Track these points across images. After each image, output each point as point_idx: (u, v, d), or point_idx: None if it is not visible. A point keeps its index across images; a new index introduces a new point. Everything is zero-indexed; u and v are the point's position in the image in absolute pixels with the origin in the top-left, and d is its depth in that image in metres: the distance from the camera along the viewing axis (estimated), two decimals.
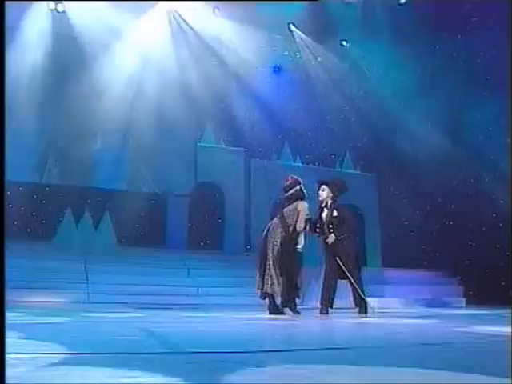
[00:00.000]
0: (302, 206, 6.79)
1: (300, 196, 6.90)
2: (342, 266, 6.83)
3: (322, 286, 7.07)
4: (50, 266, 10.04)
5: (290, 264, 6.63)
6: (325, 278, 7.05)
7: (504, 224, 11.80)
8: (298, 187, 6.91)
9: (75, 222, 12.31)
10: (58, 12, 12.18)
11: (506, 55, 11.41)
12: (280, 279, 6.52)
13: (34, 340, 3.10)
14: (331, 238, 6.91)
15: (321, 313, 6.83)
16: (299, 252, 6.83)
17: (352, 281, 6.82)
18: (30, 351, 2.47)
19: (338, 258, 6.87)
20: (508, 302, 9.65)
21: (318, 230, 7.01)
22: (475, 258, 12.09)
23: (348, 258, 6.92)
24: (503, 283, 11.48)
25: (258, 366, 2.19)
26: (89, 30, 12.04)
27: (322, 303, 6.93)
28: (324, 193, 7.12)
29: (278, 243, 6.61)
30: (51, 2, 12.17)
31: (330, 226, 6.96)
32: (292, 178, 7.05)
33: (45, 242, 11.51)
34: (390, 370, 2.13)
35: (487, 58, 12.37)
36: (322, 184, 7.18)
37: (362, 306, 6.88)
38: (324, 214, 7.06)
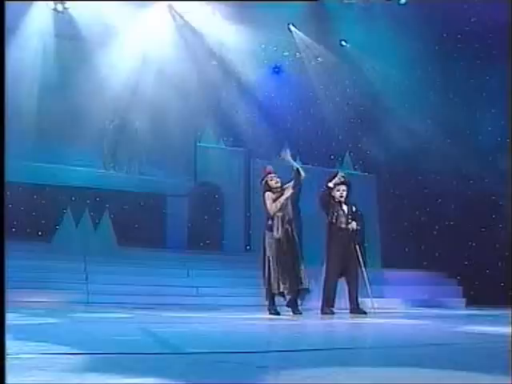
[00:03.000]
0: (264, 197, 6.80)
1: (266, 188, 6.89)
2: (359, 254, 7.08)
3: (323, 286, 7.08)
4: (50, 266, 10.03)
5: (285, 260, 6.60)
6: (326, 278, 7.06)
7: (504, 224, 11.80)
8: (264, 179, 6.93)
9: (75, 222, 12.30)
10: (58, 12, 12.17)
11: (506, 55, 11.41)
12: (280, 276, 6.52)
13: (34, 340, 3.10)
14: (353, 224, 7.14)
15: (323, 313, 6.82)
16: (296, 249, 6.76)
17: (364, 273, 7.06)
18: (29, 351, 2.47)
19: (357, 246, 7.17)
20: (508, 301, 9.65)
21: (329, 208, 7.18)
22: (475, 258, 12.09)
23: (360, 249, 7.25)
24: (503, 283, 11.48)
25: (258, 366, 2.19)
26: (88, 29, 12.04)
27: (323, 303, 6.92)
28: (345, 192, 7.33)
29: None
30: (51, 2, 12.16)
31: (350, 217, 7.20)
32: (265, 169, 7.09)
33: (44, 242, 11.50)
34: (390, 370, 2.13)
35: (487, 58, 12.37)
36: (342, 184, 7.32)
37: (359, 307, 6.94)
38: (345, 208, 7.24)
